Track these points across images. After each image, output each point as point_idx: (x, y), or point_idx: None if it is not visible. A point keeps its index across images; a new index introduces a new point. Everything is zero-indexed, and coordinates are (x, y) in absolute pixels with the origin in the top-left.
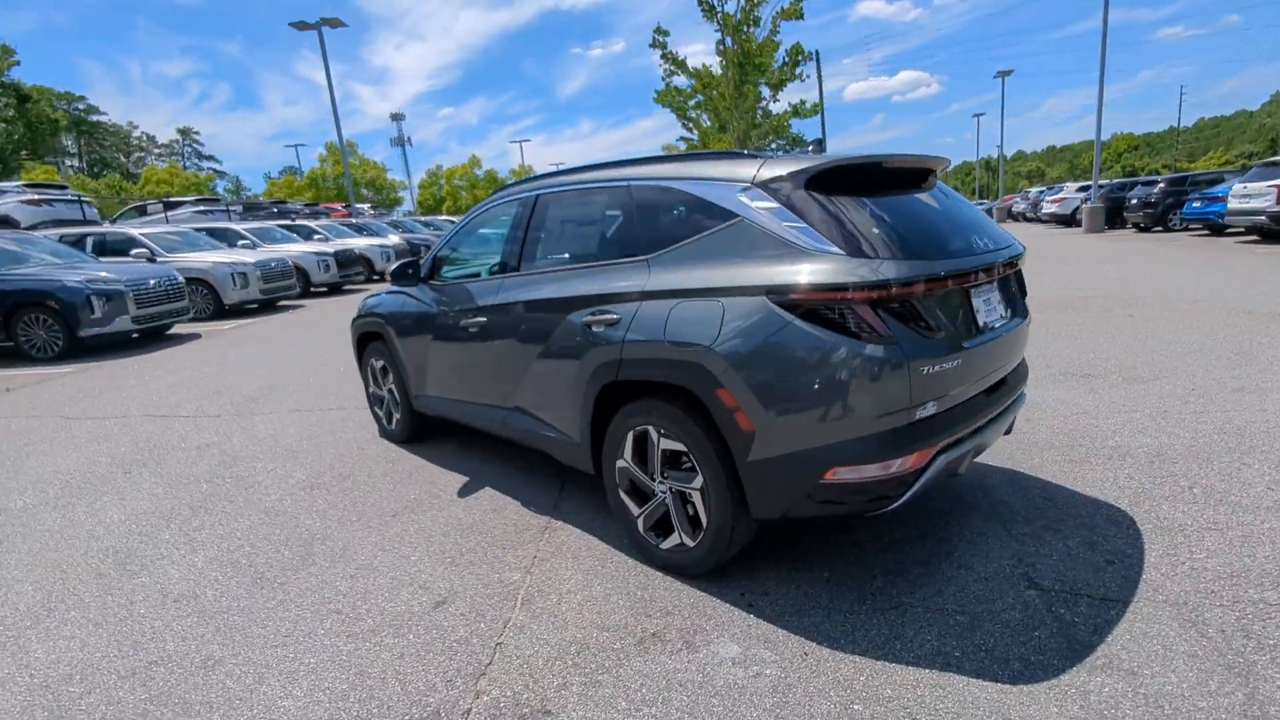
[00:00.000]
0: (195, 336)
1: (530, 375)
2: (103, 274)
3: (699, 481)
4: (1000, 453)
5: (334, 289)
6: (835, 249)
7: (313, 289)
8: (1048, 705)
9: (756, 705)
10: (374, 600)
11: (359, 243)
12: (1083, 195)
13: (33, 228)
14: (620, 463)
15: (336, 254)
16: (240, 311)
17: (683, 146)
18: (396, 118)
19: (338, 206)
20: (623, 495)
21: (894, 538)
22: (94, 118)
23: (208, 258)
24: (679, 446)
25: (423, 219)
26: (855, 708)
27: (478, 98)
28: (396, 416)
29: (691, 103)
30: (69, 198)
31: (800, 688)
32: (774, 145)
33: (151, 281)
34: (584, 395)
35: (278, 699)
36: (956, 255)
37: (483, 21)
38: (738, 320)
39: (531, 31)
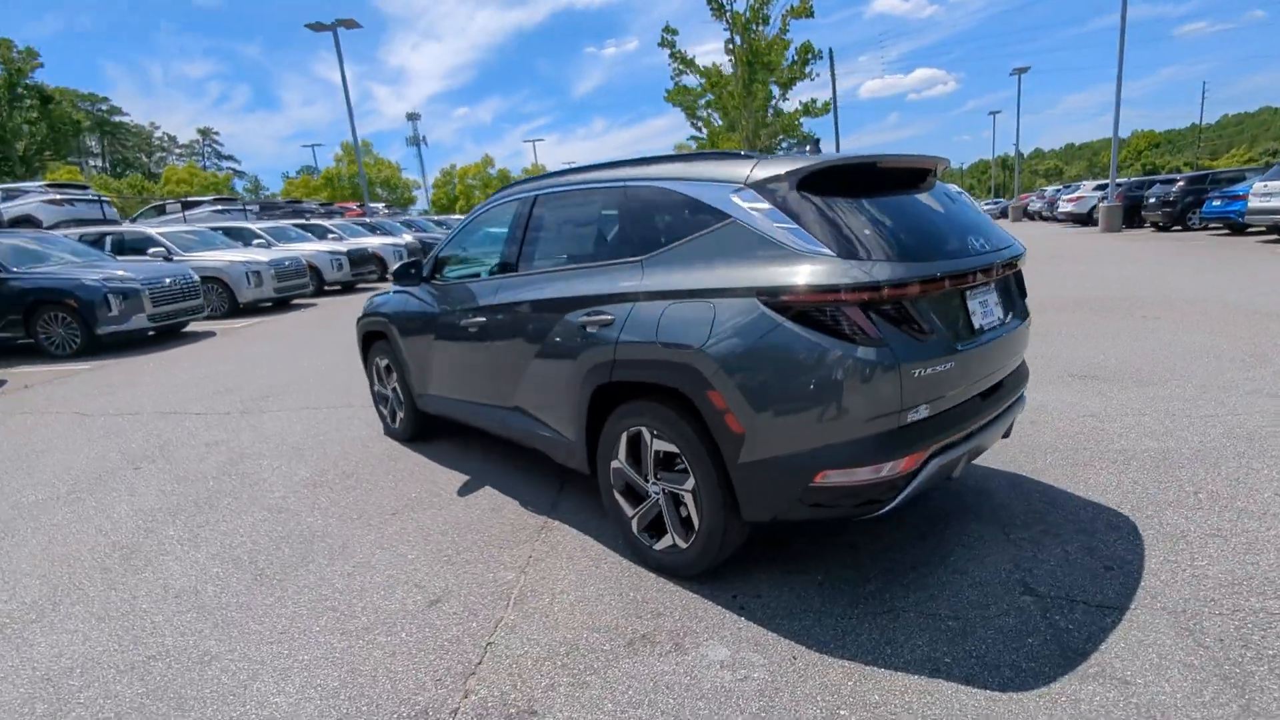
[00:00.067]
0: (210, 334)
1: (528, 375)
2: (120, 273)
3: (691, 483)
4: (1002, 455)
5: (347, 287)
6: (827, 250)
7: (326, 287)
8: (1036, 713)
9: (742, 709)
10: (369, 598)
11: (372, 242)
12: (1100, 194)
13: (54, 227)
14: (615, 463)
15: (350, 253)
16: (255, 310)
17: (693, 146)
18: (412, 117)
19: (352, 206)
20: (617, 496)
21: (890, 541)
22: (117, 118)
23: (223, 257)
24: (671, 448)
25: (436, 218)
26: (841, 713)
27: (492, 97)
28: (400, 415)
29: (702, 101)
30: (89, 197)
31: (787, 692)
32: (784, 144)
33: (167, 280)
34: (579, 396)
35: (270, 695)
36: (951, 256)
37: (497, 21)
38: (729, 322)
39: (545, 31)
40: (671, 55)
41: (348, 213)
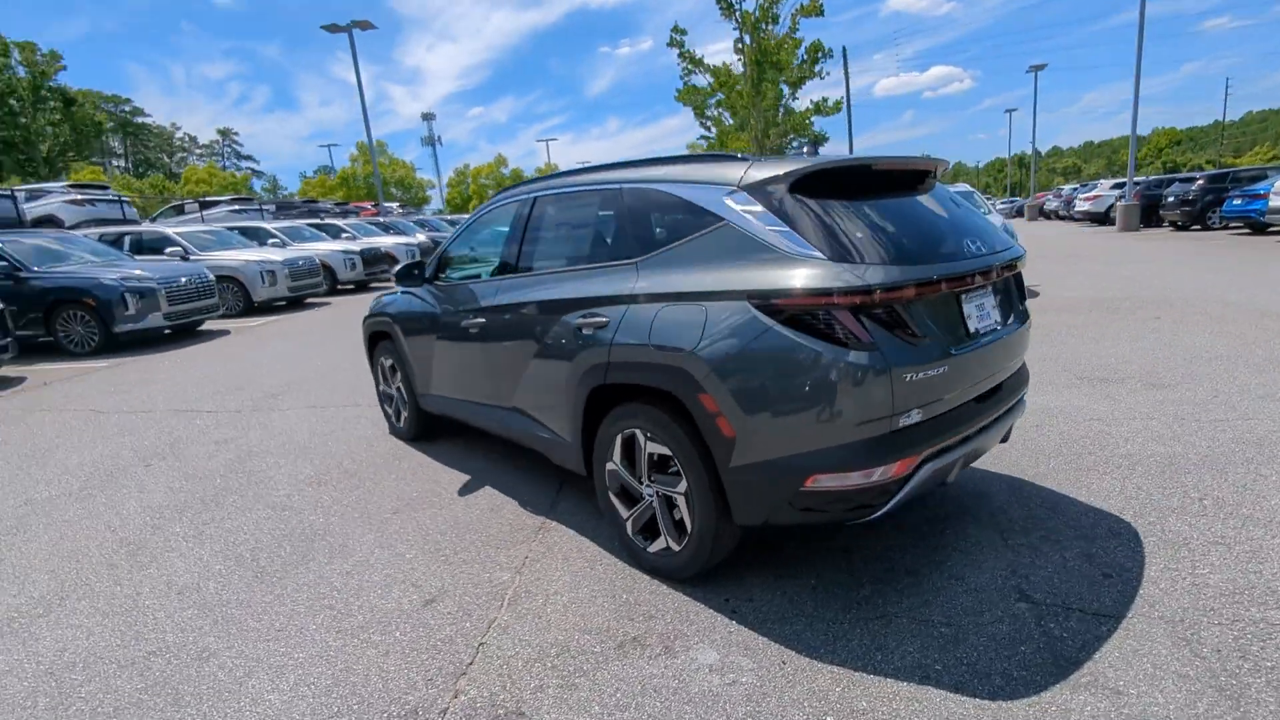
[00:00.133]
0: (225, 333)
1: (527, 376)
2: (137, 272)
3: (683, 486)
4: (1004, 459)
5: (361, 286)
6: (818, 254)
7: (340, 286)
8: None
9: (728, 714)
10: (366, 597)
11: (385, 241)
12: (1117, 193)
13: (76, 226)
14: (610, 465)
15: (363, 252)
16: (269, 308)
17: (704, 145)
18: (427, 117)
19: (367, 205)
20: (612, 498)
21: (886, 545)
22: (139, 119)
23: (238, 256)
24: (665, 450)
25: (449, 217)
26: (828, 719)
27: (507, 97)
28: (405, 414)
29: (712, 101)
30: (110, 198)
31: (774, 697)
32: (794, 143)
33: (183, 279)
34: (575, 397)
35: (264, 692)
36: (945, 260)
37: (512, 21)
38: (720, 325)
39: (560, 31)
40: (680, 55)
41: (363, 212)
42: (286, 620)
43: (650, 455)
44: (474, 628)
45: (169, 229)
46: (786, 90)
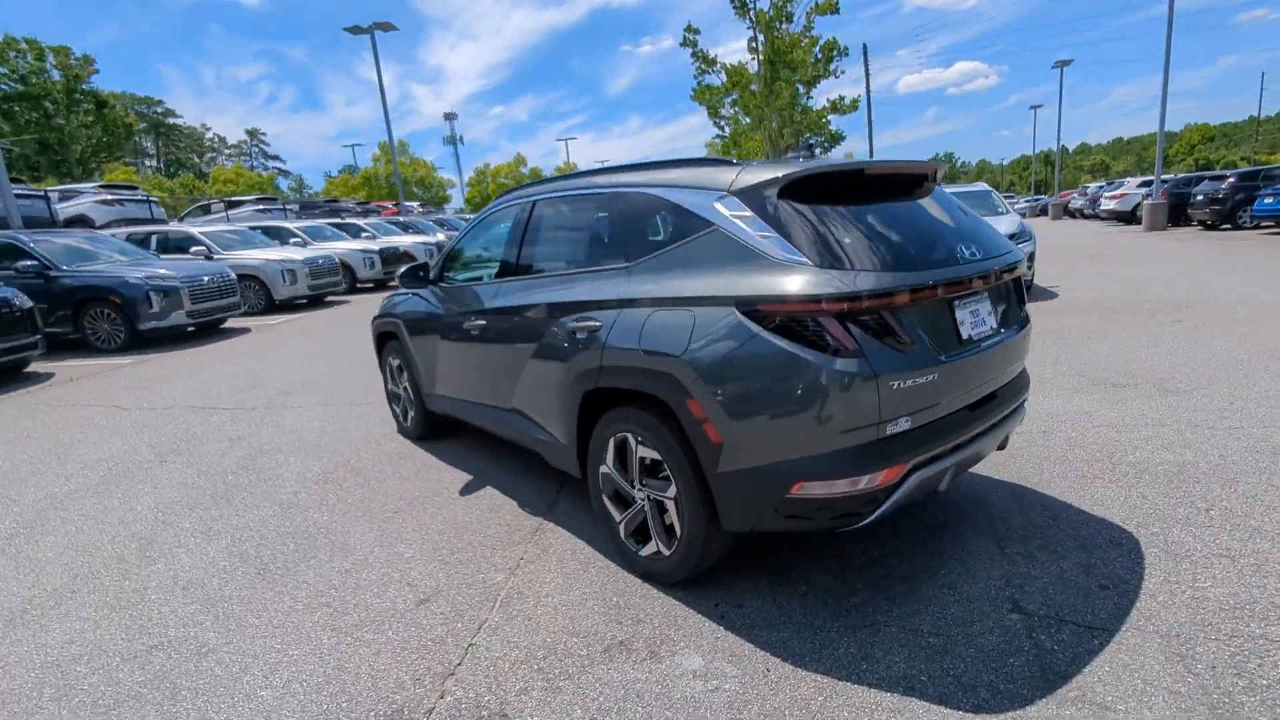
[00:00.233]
0: (246, 330)
1: (525, 378)
2: (161, 271)
3: (673, 491)
4: (1007, 466)
5: (380, 285)
6: (805, 260)
7: (359, 285)
8: None
9: None
10: (363, 595)
11: (404, 240)
12: (1144, 191)
13: (106, 225)
14: (603, 468)
15: (382, 251)
16: (290, 306)
17: (720, 145)
18: (449, 117)
19: (388, 205)
20: (606, 501)
21: (881, 552)
22: (170, 120)
23: (260, 255)
24: (655, 455)
25: (468, 217)
26: None
27: (528, 96)
28: (411, 414)
29: (728, 100)
30: (139, 198)
31: (756, 705)
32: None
33: (205, 278)
34: (569, 400)
35: (258, 688)
36: (936, 266)
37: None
38: (707, 331)
39: (581, 29)
40: (694, 55)
41: (384, 211)
42: (285, 617)
43: (642, 459)
44: (465, 628)
45: (194, 229)
46: (801, 89)
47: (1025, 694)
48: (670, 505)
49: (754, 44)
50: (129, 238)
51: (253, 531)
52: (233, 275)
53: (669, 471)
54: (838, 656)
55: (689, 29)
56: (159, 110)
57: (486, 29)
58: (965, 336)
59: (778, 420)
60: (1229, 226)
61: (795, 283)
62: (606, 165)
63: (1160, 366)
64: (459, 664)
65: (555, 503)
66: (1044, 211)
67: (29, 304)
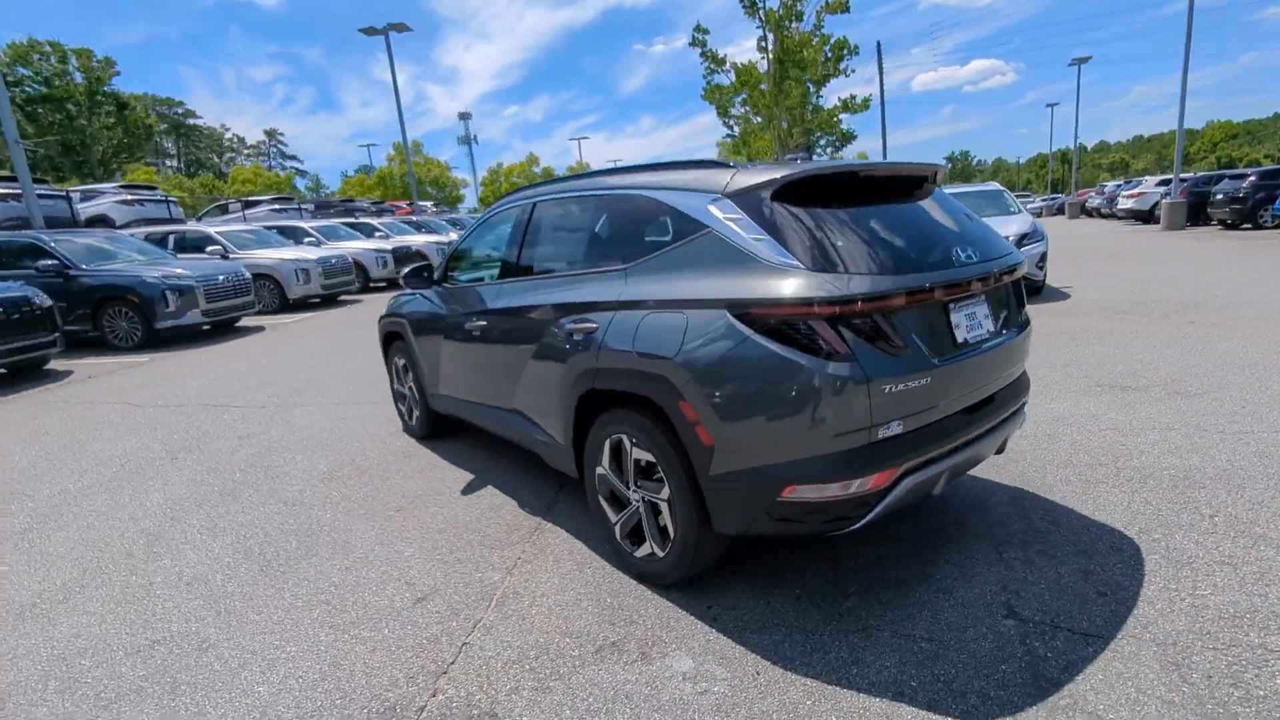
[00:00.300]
0: (260, 329)
1: (524, 379)
2: (178, 270)
3: (667, 493)
4: (1009, 469)
5: (392, 284)
6: (798, 263)
7: (372, 284)
8: None
9: None
10: (361, 593)
11: (417, 240)
12: (1163, 189)
13: (126, 225)
14: (599, 470)
15: (394, 250)
16: (304, 305)
17: (730, 144)
18: (464, 116)
19: (402, 204)
20: (602, 501)
21: (876, 556)
22: (191, 121)
23: (274, 254)
24: (650, 457)
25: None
26: None
27: (542, 95)
28: (416, 413)
29: (738, 99)
30: (158, 198)
31: (744, 708)
32: (809, 144)
33: (220, 277)
34: (566, 401)
35: (255, 684)
36: (931, 269)
37: (547, 20)
38: (700, 334)
39: (594, 29)
40: (703, 54)
41: (398, 211)
42: (284, 614)
43: (637, 461)
44: (460, 627)
45: (211, 228)
46: (811, 88)
47: (1016, 701)
48: (664, 507)
49: (763, 43)
50: (147, 237)
51: (257, 528)
52: (247, 274)
53: (663, 473)
54: (828, 660)
55: (698, 29)
56: (179, 111)
57: (501, 29)
58: (961, 340)
59: (769, 424)
60: (1249, 226)
61: (787, 286)
62: (607, 167)
63: (1171, 369)
64: (452, 662)
65: (555, 503)
66: (1061, 211)
67: (48, 303)
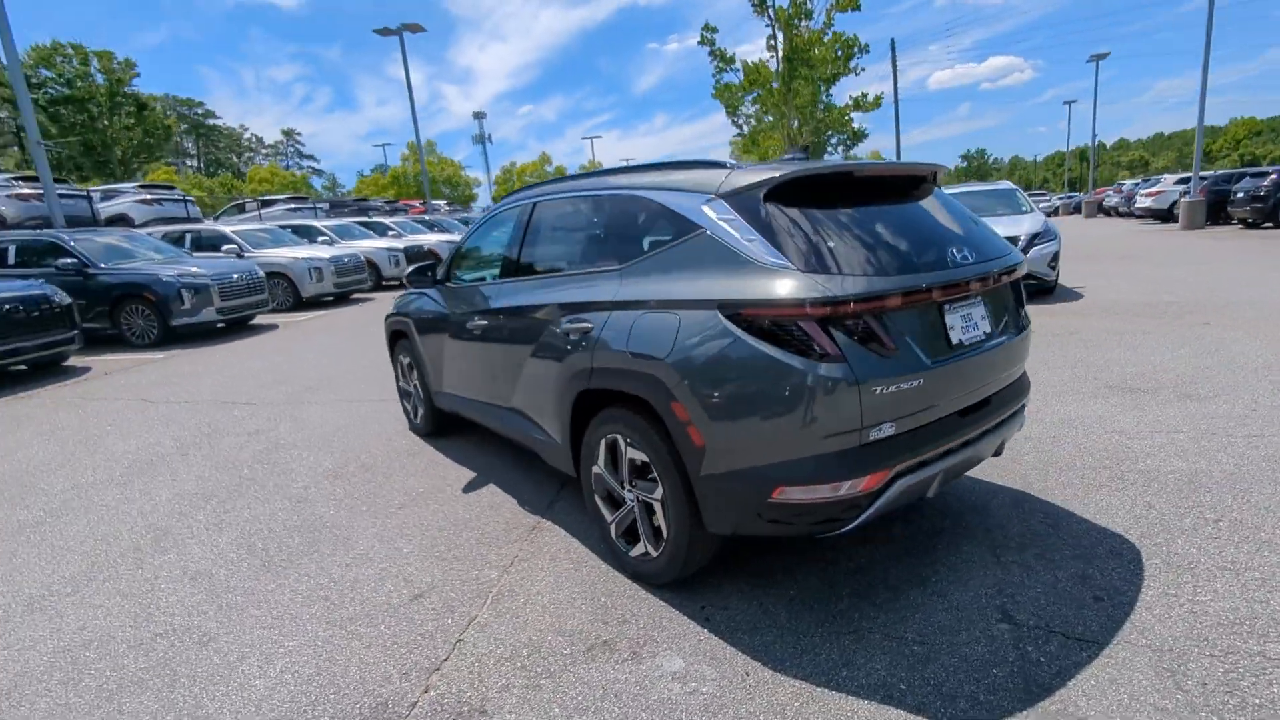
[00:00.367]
0: (273, 327)
1: (523, 377)
2: (193, 269)
3: (660, 493)
4: (1010, 472)
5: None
6: (789, 264)
7: (384, 283)
8: None
9: None
10: (360, 590)
11: (429, 239)
12: (1181, 188)
13: (145, 224)
14: (595, 469)
15: (406, 249)
16: (317, 303)
17: (740, 142)
18: (478, 116)
19: (416, 204)
20: (598, 501)
21: (872, 558)
22: (210, 121)
23: (288, 253)
24: (644, 457)
25: None
26: None
27: (556, 95)
28: (421, 411)
29: (749, 98)
30: (175, 197)
31: (731, 709)
32: (832, 140)
33: (235, 276)
34: (563, 400)
35: (252, 678)
36: (924, 270)
37: (561, 20)
38: (692, 334)
39: (608, 28)
40: (711, 53)
41: (411, 210)
42: (284, 609)
43: (631, 461)
44: (455, 624)
45: (227, 227)
46: (822, 87)
47: (1005, 705)
48: (658, 507)
49: (772, 42)
50: (165, 236)
51: (262, 524)
52: (261, 273)
53: (656, 473)
54: (819, 662)
55: (706, 27)
56: (200, 112)
57: (516, 29)
58: (956, 341)
59: (759, 424)
60: (1271, 225)
61: (778, 287)
62: (607, 167)
63: (1182, 371)
64: (445, 659)
65: (554, 502)
66: (1077, 209)
67: (67, 300)
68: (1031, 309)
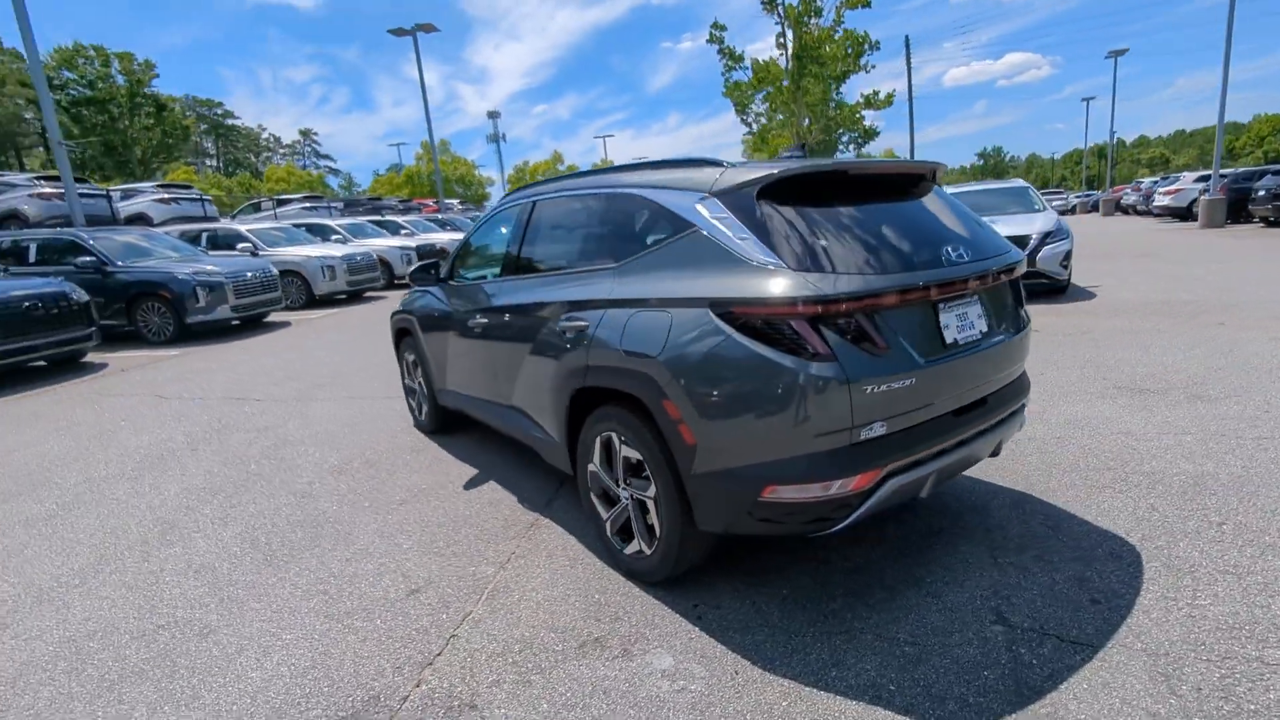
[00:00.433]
0: (286, 324)
1: (522, 375)
2: (208, 267)
3: (653, 491)
4: (1012, 472)
5: None
6: (779, 262)
7: (397, 281)
8: None
9: None
10: (358, 584)
11: (441, 237)
12: (1201, 185)
13: (163, 223)
14: (591, 466)
15: (418, 248)
16: (330, 301)
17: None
18: (493, 115)
19: (429, 202)
20: (594, 498)
21: (868, 558)
22: (229, 122)
23: (302, 251)
24: (638, 455)
25: None
26: None
27: (570, 94)
28: (425, 408)
29: (759, 96)
30: (193, 196)
31: (719, 708)
32: (843, 138)
33: (249, 274)
34: (560, 398)
35: (249, 670)
36: (918, 269)
37: (576, 19)
38: (683, 332)
39: (622, 27)
40: (720, 51)
41: (424, 209)
42: (283, 603)
43: (626, 459)
44: (449, 620)
45: (242, 226)
46: (832, 84)
47: (995, 708)
48: (651, 505)
49: (782, 39)
50: (182, 235)
51: (266, 519)
52: (275, 271)
53: (649, 472)
54: (809, 662)
55: (716, 25)
56: (219, 112)
57: (530, 29)
58: (950, 340)
59: (749, 423)
60: None
61: (769, 286)
62: (607, 165)
63: (1194, 372)
64: (439, 654)
65: (554, 499)
66: (1095, 208)
67: (85, 298)
68: (1043, 308)
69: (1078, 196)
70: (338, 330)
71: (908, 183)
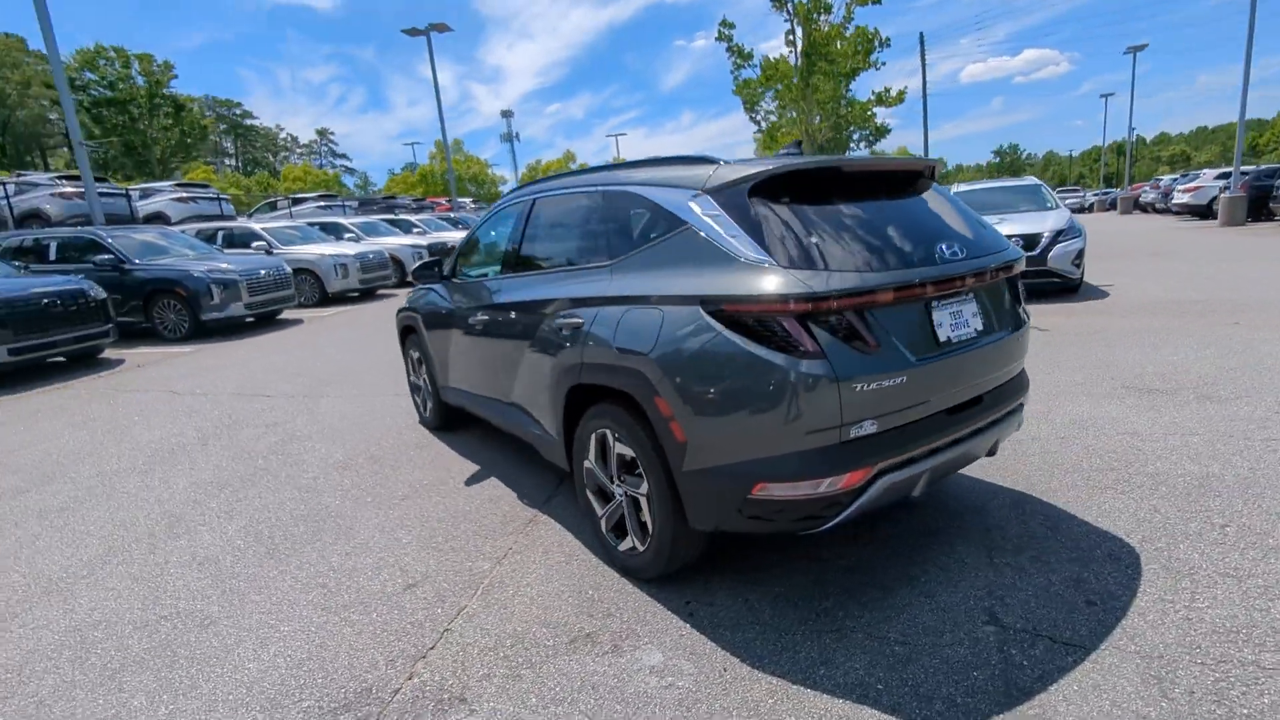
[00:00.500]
0: (299, 322)
1: (520, 372)
2: (223, 265)
3: (646, 487)
4: (1013, 472)
5: None
6: (770, 259)
7: (408, 279)
8: None
9: (656, 718)
10: (357, 578)
11: (453, 236)
12: (1221, 183)
13: (180, 221)
14: (587, 463)
15: (430, 246)
16: (342, 299)
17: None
18: (506, 114)
19: (442, 201)
20: (590, 495)
21: (864, 557)
22: (248, 122)
23: (315, 250)
24: (631, 452)
25: None
26: None
27: (583, 93)
28: (429, 405)
29: (769, 94)
30: (210, 195)
31: (705, 704)
32: (854, 136)
33: (262, 272)
34: (556, 395)
35: (246, 661)
36: (911, 266)
37: (590, 18)
38: (674, 330)
39: (635, 26)
40: (729, 49)
41: (437, 207)
42: (283, 595)
43: (620, 456)
44: (444, 614)
45: (258, 225)
46: (843, 81)
47: (982, 708)
48: (644, 502)
49: (791, 37)
50: (199, 233)
51: (270, 513)
52: (288, 269)
53: (642, 469)
54: (798, 660)
55: (724, 23)
56: (238, 112)
57: (544, 28)
58: (944, 338)
59: (739, 420)
60: None
61: (759, 283)
62: (601, 165)
63: (1205, 372)
64: (432, 648)
65: (553, 496)
66: (1113, 206)
67: (102, 295)
68: (1054, 307)
69: (1095, 194)
70: (349, 328)
71: (904, 180)
